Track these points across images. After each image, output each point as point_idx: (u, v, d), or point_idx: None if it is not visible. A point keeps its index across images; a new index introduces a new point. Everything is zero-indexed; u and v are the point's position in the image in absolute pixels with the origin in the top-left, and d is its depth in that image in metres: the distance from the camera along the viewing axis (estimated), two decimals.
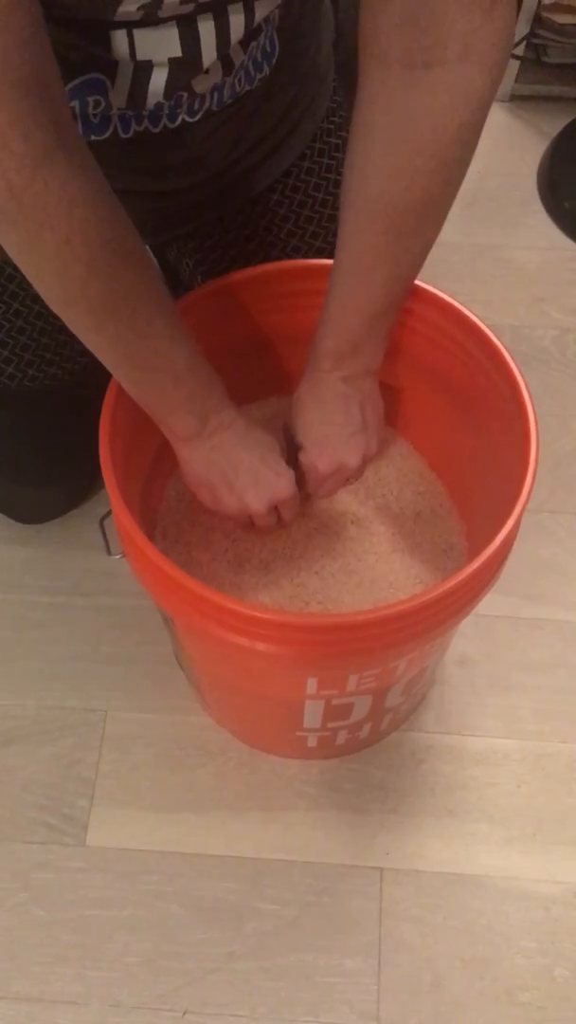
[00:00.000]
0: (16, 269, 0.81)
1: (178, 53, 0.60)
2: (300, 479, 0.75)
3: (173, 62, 0.60)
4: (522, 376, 0.71)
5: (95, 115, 0.64)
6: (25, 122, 0.47)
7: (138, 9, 0.54)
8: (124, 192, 0.60)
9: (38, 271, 0.56)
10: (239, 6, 0.59)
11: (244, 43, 0.65)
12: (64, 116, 0.51)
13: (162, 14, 0.56)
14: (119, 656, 0.98)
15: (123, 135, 0.67)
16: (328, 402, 0.72)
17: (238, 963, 0.83)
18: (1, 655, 0.98)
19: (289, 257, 0.85)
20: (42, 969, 0.82)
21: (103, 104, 0.63)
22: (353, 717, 0.79)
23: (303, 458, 0.75)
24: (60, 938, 0.84)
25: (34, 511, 1.03)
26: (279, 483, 0.71)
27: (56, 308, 0.59)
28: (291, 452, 0.76)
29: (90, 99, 0.62)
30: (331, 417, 0.72)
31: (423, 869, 0.87)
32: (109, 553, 0.72)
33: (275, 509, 0.73)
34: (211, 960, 0.83)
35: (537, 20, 1.37)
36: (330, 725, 0.80)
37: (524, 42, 1.40)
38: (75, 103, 0.62)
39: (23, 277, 0.81)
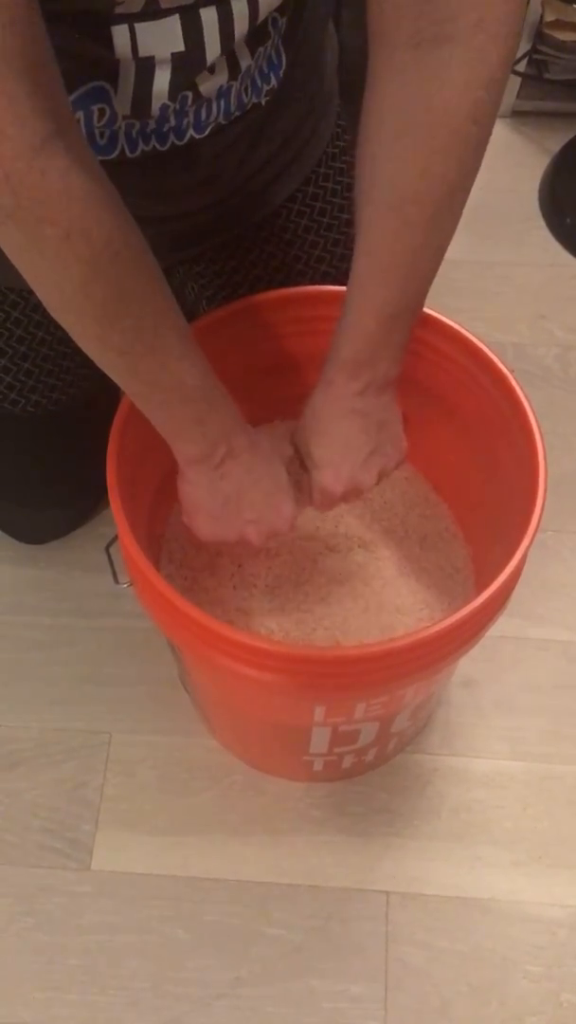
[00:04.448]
0: (20, 295, 0.82)
1: (181, 47, 0.58)
2: (306, 495, 0.73)
3: (176, 57, 0.59)
4: (529, 402, 0.71)
5: (102, 132, 0.64)
6: (22, 107, 0.46)
7: None
8: None
9: (38, 273, 0.54)
10: None
11: (251, 45, 0.64)
12: (63, 106, 0.49)
13: (163, 4, 0.55)
14: (123, 678, 0.97)
15: (130, 154, 0.66)
16: (345, 420, 0.69)
17: (244, 988, 0.82)
18: (4, 677, 0.98)
19: (294, 282, 0.85)
20: (47, 995, 0.82)
21: (108, 114, 0.62)
22: (360, 742, 0.79)
23: (316, 479, 0.71)
24: (65, 963, 0.83)
25: (37, 532, 1.03)
26: (280, 521, 0.70)
27: (59, 316, 0.57)
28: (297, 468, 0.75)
29: (95, 108, 0.61)
30: (348, 439, 0.69)
31: (429, 893, 0.86)
32: (117, 582, 0.72)
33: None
34: (217, 986, 0.82)
35: (539, 36, 1.38)
36: (337, 750, 0.80)
37: (526, 58, 1.40)
38: (80, 114, 0.61)
39: (27, 304, 0.82)
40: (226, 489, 0.67)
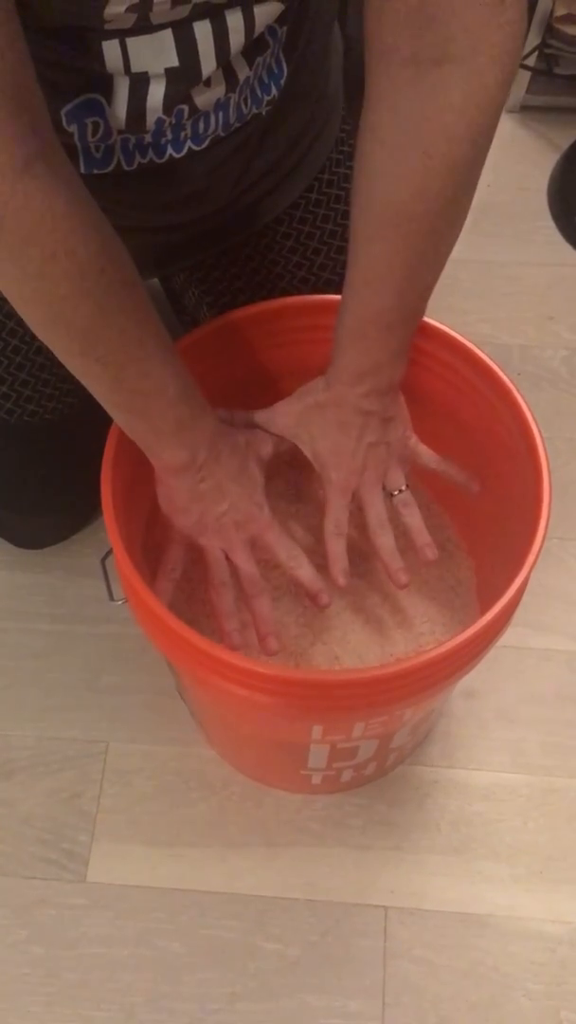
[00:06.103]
0: None
1: (175, 63, 0.57)
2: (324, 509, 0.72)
3: (170, 72, 0.58)
4: (532, 415, 0.69)
5: (96, 147, 0.62)
6: (3, 129, 0.46)
7: (127, 11, 0.52)
8: (129, 228, 0.58)
9: (23, 291, 0.54)
10: (237, 10, 0.57)
11: (248, 56, 0.63)
12: (46, 128, 0.49)
13: (155, 19, 0.54)
14: (121, 686, 0.96)
15: (127, 168, 0.65)
16: (341, 413, 0.69)
17: (240, 1004, 0.81)
18: (0, 683, 0.97)
19: (297, 289, 0.83)
20: (42, 1009, 0.81)
21: (102, 127, 0.61)
22: (359, 758, 0.78)
23: (322, 473, 0.72)
24: (60, 977, 0.83)
25: (34, 537, 1.02)
26: (258, 516, 0.70)
27: (42, 332, 0.57)
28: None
29: (88, 122, 0.60)
30: (347, 430, 0.69)
31: (428, 908, 0.85)
32: (112, 599, 0.70)
33: (253, 548, 0.71)
34: (213, 1000, 0.82)
35: (549, 31, 1.35)
36: (335, 765, 0.79)
37: (535, 53, 1.38)
38: (73, 127, 0.60)
39: None
40: (206, 491, 0.68)
